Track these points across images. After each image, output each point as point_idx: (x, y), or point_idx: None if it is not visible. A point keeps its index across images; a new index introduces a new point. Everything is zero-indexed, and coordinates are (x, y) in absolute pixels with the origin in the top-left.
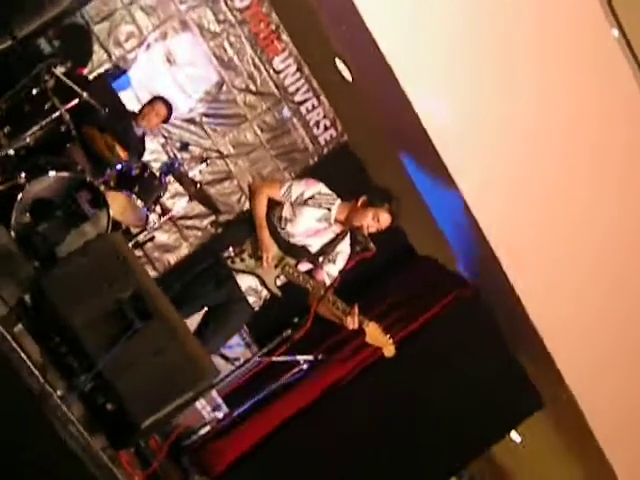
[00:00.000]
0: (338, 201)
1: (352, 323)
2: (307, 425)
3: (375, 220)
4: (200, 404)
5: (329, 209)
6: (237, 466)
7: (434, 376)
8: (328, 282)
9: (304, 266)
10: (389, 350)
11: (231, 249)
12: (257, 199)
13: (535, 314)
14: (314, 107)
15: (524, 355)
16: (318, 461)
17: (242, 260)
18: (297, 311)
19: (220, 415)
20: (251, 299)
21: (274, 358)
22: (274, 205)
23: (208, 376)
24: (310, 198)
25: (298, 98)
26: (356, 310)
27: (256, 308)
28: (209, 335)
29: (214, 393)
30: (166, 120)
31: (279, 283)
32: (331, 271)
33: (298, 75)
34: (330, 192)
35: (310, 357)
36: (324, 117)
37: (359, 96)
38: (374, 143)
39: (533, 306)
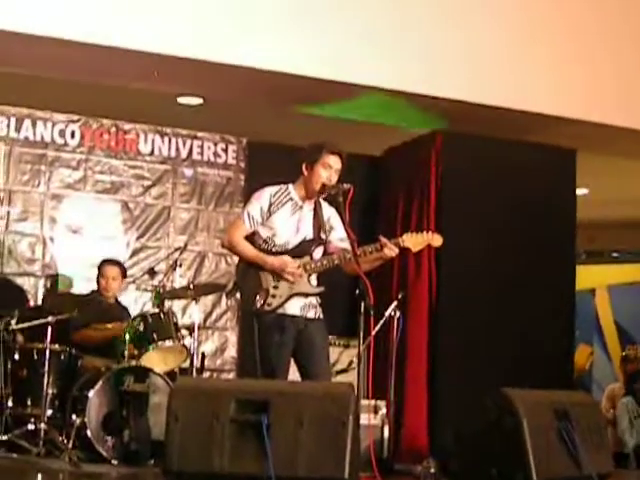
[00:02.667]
0: (290, 186)
1: (391, 250)
2: (443, 346)
3: (327, 168)
4: (363, 418)
5: (290, 199)
6: (433, 429)
7: (482, 220)
8: (346, 245)
9: (318, 251)
10: (436, 240)
11: (258, 297)
12: (237, 246)
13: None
14: (200, 147)
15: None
16: (478, 363)
17: (274, 296)
18: (349, 287)
19: (384, 410)
20: (311, 313)
21: (373, 332)
22: (252, 237)
23: (348, 396)
24: (270, 206)
25: (183, 154)
26: (384, 239)
27: (321, 316)
28: (313, 370)
29: (363, 401)
30: (124, 274)
31: (314, 282)
32: (338, 235)
33: (166, 139)
34: (278, 186)
35: (394, 303)
36: (215, 145)
37: (219, 104)
38: (265, 122)
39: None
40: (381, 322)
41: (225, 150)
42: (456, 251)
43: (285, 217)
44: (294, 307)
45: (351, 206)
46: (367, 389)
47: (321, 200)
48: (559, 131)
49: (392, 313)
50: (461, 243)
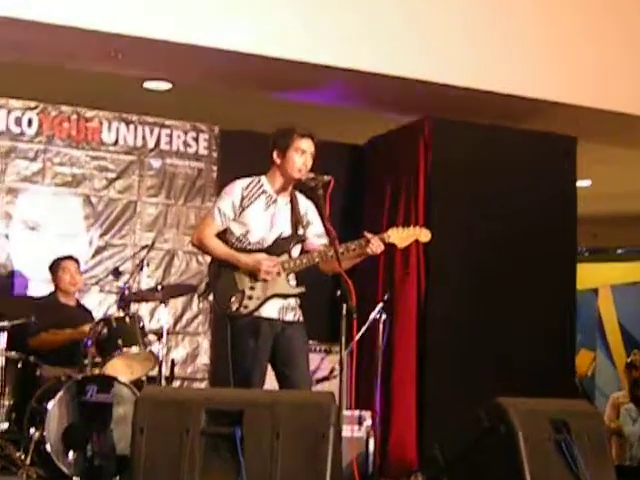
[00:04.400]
0: (262, 178)
1: (376, 246)
2: (434, 351)
3: (300, 154)
4: (346, 430)
5: (263, 191)
6: (423, 442)
7: (475, 214)
8: (323, 241)
9: (297, 249)
10: (424, 235)
11: (233, 299)
12: (207, 245)
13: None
14: (169, 135)
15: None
16: (471, 370)
17: (250, 298)
18: (329, 288)
19: (369, 422)
20: (289, 316)
21: (357, 337)
22: (224, 235)
23: (329, 406)
24: (242, 200)
25: (151, 144)
26: (369, 235)
27: (301, 319)
28: (292, 377)
29: (345, 412)
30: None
31: (293, 282)
32: (316, 230)
33: (132, 127)
34: (249, 179)
35: (379, 305)
36: (185, 134)
37: (189, 90)
38: (240, 108)
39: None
40: (365, 326)
41: (196, 139)
42: (447, 248)
43: (259, 212)
44: (271, 309)
45: (332, 200)
46: (350, 398)
47: (297, 193)
48: (559, 118)
49: (377, 316)
50: (452, 239)
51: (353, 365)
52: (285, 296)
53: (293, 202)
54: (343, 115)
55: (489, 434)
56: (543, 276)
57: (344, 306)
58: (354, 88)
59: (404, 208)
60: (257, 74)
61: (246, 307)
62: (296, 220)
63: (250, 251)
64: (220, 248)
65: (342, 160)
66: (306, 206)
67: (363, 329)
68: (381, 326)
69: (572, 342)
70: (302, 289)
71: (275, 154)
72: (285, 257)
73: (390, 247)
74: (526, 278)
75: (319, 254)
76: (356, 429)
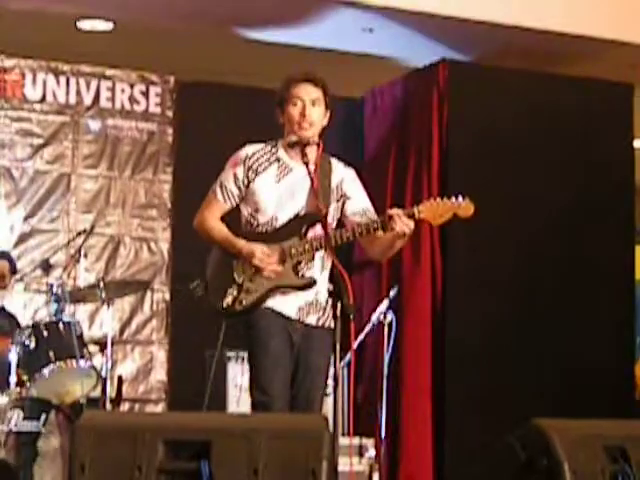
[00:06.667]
0: (279, 142)
1: (401, 225)
2: (454, 361)
3: (297, 102)
4: (344, 463)
5: (277, 159)
6: (441, 477)
7: (504, 184)
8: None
9: (316, 231)
10: (465, 209)
11: (228, 292)
12: (205, 228)
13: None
14: (111, 89)
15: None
16: (502, 385)
17: (248, 291)
18: None
19: (372, 452)
20: (312, 318)
21: (355, 344)
22: (238, 216)
23: (320, 433)
24: (247, 171)
25: (87, 100)
26: (392, 210)
27: (329, 324)
28: (304, 397)
29: (342, 440)
30: (14, 269)
31: (309, 272)
32: (358, 206)
33: (63, 80)
34: (261, 144)
35: (384, 303)
36: (131, 87)
37: (135, 30)
38: (201, 53)
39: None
40: (366, 329)
41: (145, 94)
42: (469, 227)
43: (269, 184)
44: (289, 306)
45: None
46: (348, 423)
47: (333, 160)
48: (612, 61)
49: (381, 316)
50: (476, 218)
51: (351, 380)
52: (297, 288)
53: (318, 172)
54: (335, 59)
55: (526, 466)
56: (592, 262)
57: (338, 305)
58: (356, 25)
59: (412, 180)
60: (224, 7)
61: (241, 302)
62: (316, 195)
63: (259, 234)
64: (218, 231)
65: (334, 117)
66: (342, 176)
67: (363, 333)
68: (386, 329)
69: (631, 347)
70: (310, 279)
71: (279, 113)
72: (293, 241)
73: (420, 224)
74: (571, 264)
75: (334, 235)
76: (356, 462)
